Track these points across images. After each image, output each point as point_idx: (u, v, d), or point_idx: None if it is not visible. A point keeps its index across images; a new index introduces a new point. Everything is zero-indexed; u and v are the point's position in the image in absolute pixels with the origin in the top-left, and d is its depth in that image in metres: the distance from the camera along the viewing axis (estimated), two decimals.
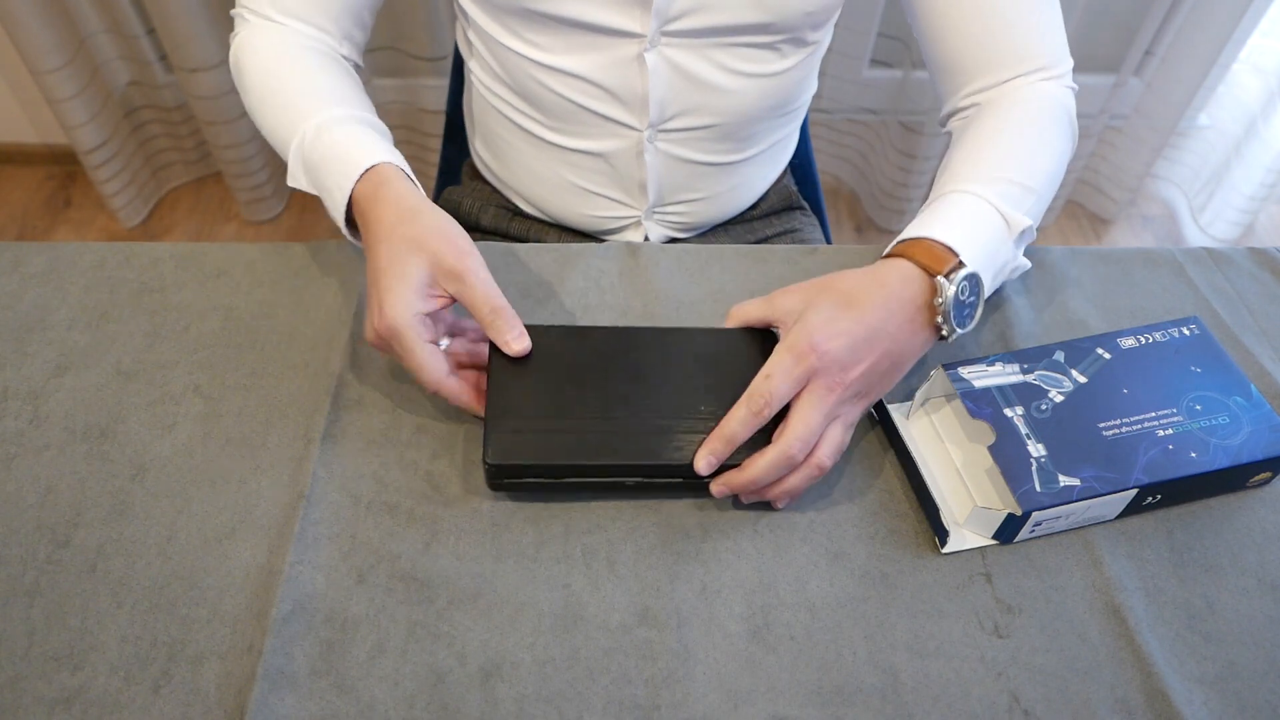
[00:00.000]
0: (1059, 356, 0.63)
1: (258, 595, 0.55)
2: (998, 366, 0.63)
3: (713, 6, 0.71)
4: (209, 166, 1.97)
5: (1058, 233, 1.95)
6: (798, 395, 0.56)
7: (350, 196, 0.64)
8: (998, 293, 0.73)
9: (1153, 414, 0.60)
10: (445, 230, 0.61)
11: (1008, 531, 0.57)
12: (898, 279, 0.60)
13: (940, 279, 0.59)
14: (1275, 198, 1.90)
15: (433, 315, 0.60)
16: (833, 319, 0.57)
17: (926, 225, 0.62)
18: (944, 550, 0.57)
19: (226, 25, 1.63)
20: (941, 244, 0.61)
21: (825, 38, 0.82)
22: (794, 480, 0.56)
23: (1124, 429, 0.59)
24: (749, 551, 0.58)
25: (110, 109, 1.74)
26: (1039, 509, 0.55)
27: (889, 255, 0.63)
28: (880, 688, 0.52)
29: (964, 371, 0.62)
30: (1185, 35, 1.64)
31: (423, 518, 0.59)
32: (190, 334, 0.69)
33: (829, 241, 1.03)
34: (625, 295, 0.73)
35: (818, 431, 0.56)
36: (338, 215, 0.65)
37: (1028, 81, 0.71)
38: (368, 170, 0.63)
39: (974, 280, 0.61)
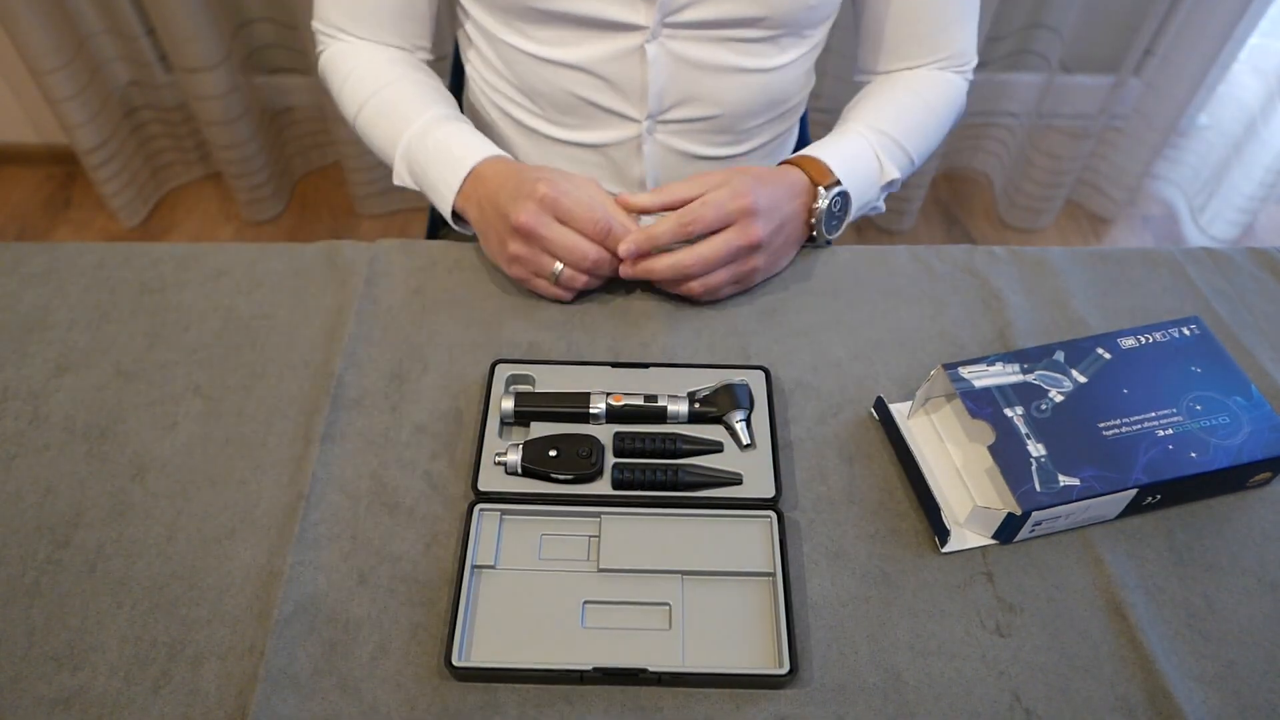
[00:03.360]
0: (1059, 356, 0.63)
1: (258, 596, 0.55)
2: (998, 366, 0.63)
3: None
4: (209, 166, 1.97)
5: (1057, 232, 1.95)
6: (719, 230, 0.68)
7: (461, 189, 0.71)
8: (996, 292, 0.73)
9: (1153, 414, 0.60)
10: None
11: (1007, 531, 0.57)
12: (794, 178, 0.73)
13: (820, 188, 0.72)
14: (1275, 198, 1.90)
15: None
16: (756, 183, 0.70)
17: (820, 149, 0.76)
18: (944, 550, 0.57)
19: (226, 25, 1.63)
20: (826, 165, 0.74)
21: (823, 37, 0.82)
22: (692, 286, 0.70)
23: (1124, 429, 0.59)
24: None
25: (110, 109, 1.74)
26: (1038, 509, 0.55)
27: (785, 163, 0.75)
28: (882, 687, 0.52)
29: (964, 371, 0.62)
30: (1185, 35, 1.64)
31: (423, 518, 0.59)
32: (190, 334, 0.69)
33: (829, 241, 1.03)
34: (623, 295, 0.73)
35: (720, 258, 0.68)
36: (445, 206, 0.73)
37: (940, 67, 0.84)
38: (483, 160, 0.72)
39: (845, 197, 0.74)
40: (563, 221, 0.66)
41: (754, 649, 0.53)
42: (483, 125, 0.90)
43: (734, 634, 0.54)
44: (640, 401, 0.63)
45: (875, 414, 0.65)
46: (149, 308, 0.71)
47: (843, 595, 0.56)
